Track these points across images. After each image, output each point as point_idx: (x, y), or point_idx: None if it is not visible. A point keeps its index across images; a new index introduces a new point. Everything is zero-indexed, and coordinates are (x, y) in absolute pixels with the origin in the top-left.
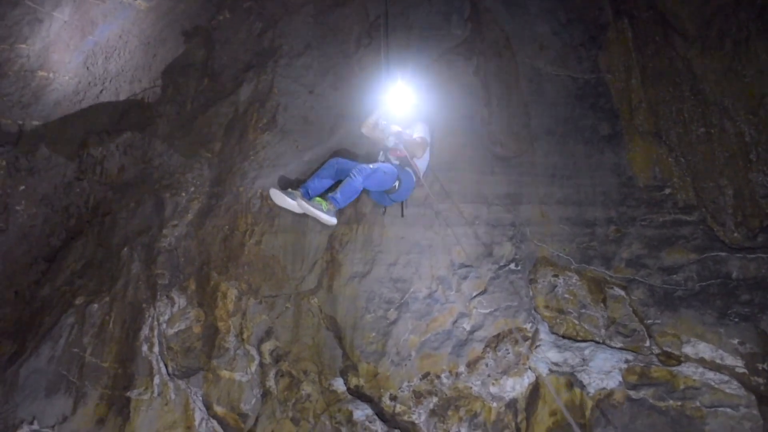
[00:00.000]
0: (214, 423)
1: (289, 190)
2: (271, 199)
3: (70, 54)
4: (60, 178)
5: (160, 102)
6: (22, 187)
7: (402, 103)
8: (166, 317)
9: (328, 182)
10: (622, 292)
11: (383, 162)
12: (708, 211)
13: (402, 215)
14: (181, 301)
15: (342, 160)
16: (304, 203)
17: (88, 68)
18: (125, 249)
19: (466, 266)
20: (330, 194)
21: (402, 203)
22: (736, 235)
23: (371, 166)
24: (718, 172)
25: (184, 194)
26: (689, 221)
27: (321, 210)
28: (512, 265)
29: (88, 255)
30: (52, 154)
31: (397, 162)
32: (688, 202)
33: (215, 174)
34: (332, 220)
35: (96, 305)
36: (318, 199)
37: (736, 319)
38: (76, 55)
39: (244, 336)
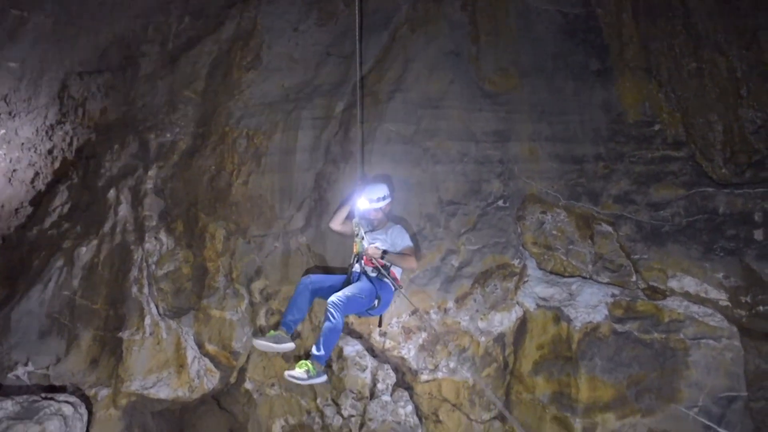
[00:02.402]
0: (206, 361)
1: (271, 332)
2: (258, 350)
3: None
4: (41, 120)
5: (141, 41)
6: (3, 131)
7: (373, 200)
8: (155, 258)
9: (306, 307)
10: (610, 228)
11: (357, 273)
12: (697, 147)
13: (380, 326)
14: (169, 242)
15: (315, 279)
16: (294, 373)
17: (64, 6)
18: (111, 191)
19: (454, 203)
20: (313, 352)
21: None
22: (724, 171)
23: (346, 293)
24: (709, 108)
25: (168, 135)
26: (678, 157)
27: (310, 377)
28: (500, 202)
29: (74, 198)
30: (32, 96)
31: (374, 274)
32: (678, 138)
33: (200, 114)
34: (323, 379)
35: (84, 248)
36: (302, 363)
37: (722, 254)
38: None
39: (234, 275)
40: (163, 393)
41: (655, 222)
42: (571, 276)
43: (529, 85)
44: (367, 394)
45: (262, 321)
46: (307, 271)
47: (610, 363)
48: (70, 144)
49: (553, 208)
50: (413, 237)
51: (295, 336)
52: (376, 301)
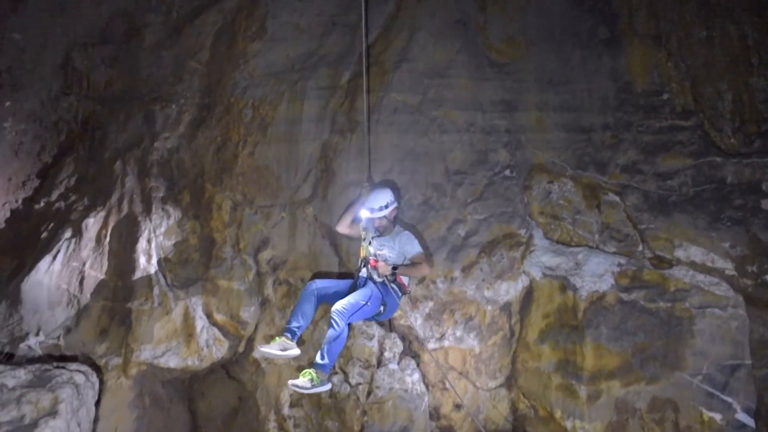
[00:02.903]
0: (215, 330)
1: (276, 338)
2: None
3: None
4: (46, 92)
5: (144, 11)
6: (8, 103)
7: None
8: (163, 229)
9: (311, 313)
10: (617, 198)
11: (364, 278)
12: (706, 117)
13: (390, 330)
14: (176, 213)
15: (320, 285)
16: (297, 383)
17: None
18: (118, 163)
19: (461, 173)
20: (317, 360)
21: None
22: (732, 140)
23: (350, 301)
24: (718, 77)
25: (174, 106)
26: (686, 127)
27: (313, 385)
28: (507, 172)
29: (81, 170)
30: (36, 67)
31: (380, 280)
32: (686, 108)
33: (205, 85)
34: (327, 387)
35: (92, 219)
36: (306, 372)
37: (729, 223)
38: None
39: (241, 246)
40: (172, 362)
41: (662, 192)
42: (578, 245)
43: (536, 54)
44: (374, 362)
45: (269, 291)
46: (313, 276)
47: (615, 331)
48: (76, 116)
49: (560, 177)
50: (422, 241)
51: (300, 342)
52: (382, 308)
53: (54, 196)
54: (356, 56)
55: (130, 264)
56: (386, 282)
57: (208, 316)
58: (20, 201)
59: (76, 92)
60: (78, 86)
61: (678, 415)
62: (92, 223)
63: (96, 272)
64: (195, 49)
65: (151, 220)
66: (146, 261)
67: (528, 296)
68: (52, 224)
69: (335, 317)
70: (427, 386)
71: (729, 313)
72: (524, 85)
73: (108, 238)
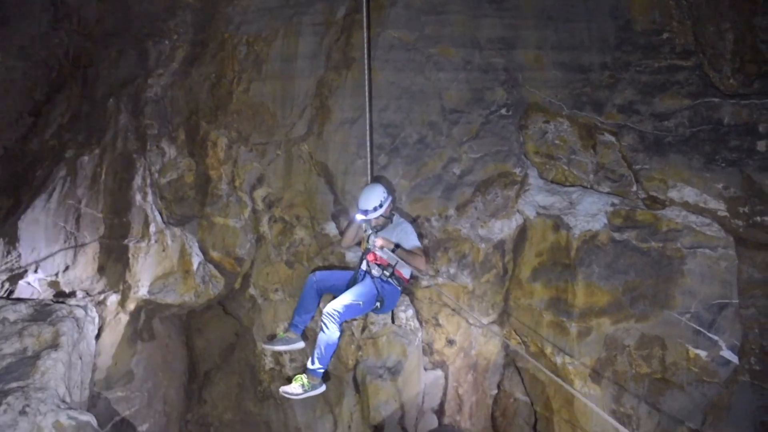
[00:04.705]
0: (211, 267)
1: (281, 334)
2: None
3: None
4: (35, 27)
5: None
6: None
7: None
8: (158, 167)
9: (313, 306)
10: (613, 138)
11: (363, 272)
12: (705, 57)
13: (393, 322)
14: (171, 151)
15: (320, 277)
16: (288, 389)
17: None
18: (111, 100)
19: (457, 111)
20: (308, 366)
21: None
22: (732, 81)
23: (343, 302)
24: (721, 16)
25: (167, 42)
26: (685, 67)
27: (305, 391)
28: (503, 111)
29: (74, 108)
30: (25, 1)
31: (377, 274)
32: (686, 47)
33: (198, 20)
34: (320, 390)
35: (87, 157)
36: (298, 377)
37: (723, 164)
38: None
39: (236, 183)
40: (170, 298)
41: (658, 132)
42: (572, 185)
43: None
44: None
45: (264, 228)
46: (314, 270)
47: (607, 270)
48: (67, 52)
49: (557, 117)
50: (420, 237)
51: (305, 335)
52: (378, 304)
53: (47, 134)
54: None
55: (126, 202)
56: (383, 275)
57: (204, 253)
58: (13, 139)
59: (66, 27)
60: (68, 21)
61: (665, 351)
62: (87, 162)
63: (92, 210)
64: None
65: (146, 158)
66: (142, 198)
67: (521, 235)
68: (46, 162)
69: (325, 320)
70: (420, 322)
71: (719, 253)
72: (523, 22)
73: (103, 176)
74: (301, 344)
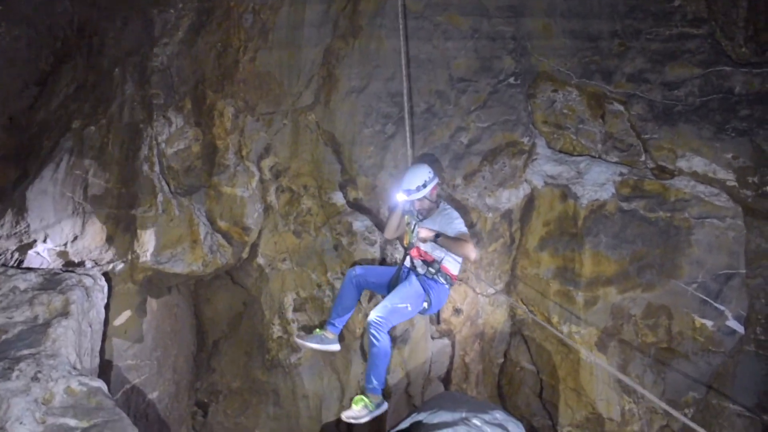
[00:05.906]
0: (219, 237)
1: (317, 331)
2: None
3: None
4: None
5: None
6: (0, 8)
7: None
8: (165, 137)
9: (353, 304)
10: (622, 108)
11: (407, 270)
12: (717, 25)
13: (438, 323)
14: (178, 120)
15: (360, 272)
16: (352, 414)
17: None
18: (117, 70)
19: (465, 80)
20: (366, 385)
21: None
22: (744, 50)
23: (387, 306)
24: None
25: (172, 11)
26: (696, 35)
27: (370, 412)
28: (511, 80)
29: (80, 78)
30: None
31: (422, 271)
32: (698, 15)
33: None
34: (384, 407)
35: (93, 127)
36: (358, 399)
37: (733, 134)
38: None
39: (243, 153)
40: (178, 267)
41: (667, 101)
42: (580, 155)
43: None
44: None
45: (272, 198)
46: (354, 264)
47: (614, 239)
48: (71, 21)
49: (565, 86)
50: (468, 224)
51: (341, 337)
52: (425, 304)
53: (54, 104)
54: None
55: (133, 172)
56: (429, 272)
57: (212, 222)
58: (20, 110)
59: None
60: None
61: (671, 321)
62: (93, 131)
63: (99, 180)
64: None
65: (152, 128)
66: (149, 168)
67: (529, 204)
68: (53, 133)
69: (373, 332)
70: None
71: (727, 223)
72: None
73: (110, 146)
74: (337, 347)
